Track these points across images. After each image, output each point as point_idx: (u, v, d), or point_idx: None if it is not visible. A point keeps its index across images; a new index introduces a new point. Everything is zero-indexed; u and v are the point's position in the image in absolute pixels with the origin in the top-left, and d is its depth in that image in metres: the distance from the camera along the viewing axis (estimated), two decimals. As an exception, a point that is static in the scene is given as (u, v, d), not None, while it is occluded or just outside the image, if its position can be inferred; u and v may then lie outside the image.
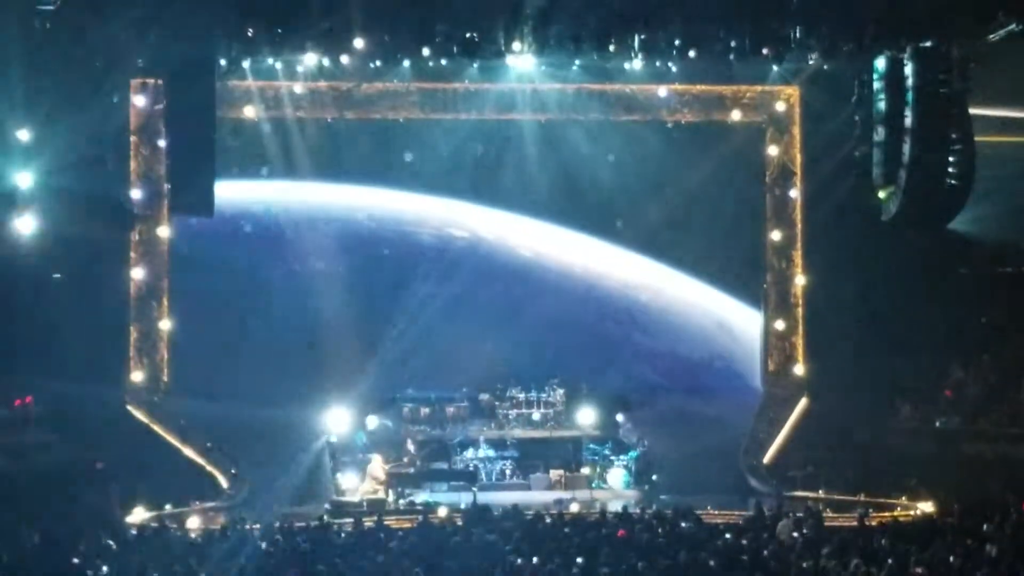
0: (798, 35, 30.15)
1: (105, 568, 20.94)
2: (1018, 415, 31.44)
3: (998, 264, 33.87)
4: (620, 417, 32.75)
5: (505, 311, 34.92)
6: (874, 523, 24.80)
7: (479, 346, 33.83)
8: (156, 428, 30.60)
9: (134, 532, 24.70)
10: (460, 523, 24.89)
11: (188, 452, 30.57)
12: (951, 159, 30.18)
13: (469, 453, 30.78)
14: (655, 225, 34.64)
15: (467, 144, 33.48)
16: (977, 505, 24.30)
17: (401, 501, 29.27)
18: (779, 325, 32.90)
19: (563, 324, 35.33)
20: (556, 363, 33.93)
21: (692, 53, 30.29)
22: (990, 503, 24.31)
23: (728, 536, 22.63)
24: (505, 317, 34.66)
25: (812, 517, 24.26)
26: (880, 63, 30.47)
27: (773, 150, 32.90)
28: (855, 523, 24.31)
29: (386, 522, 25.20)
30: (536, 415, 32.49)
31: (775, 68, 31.14)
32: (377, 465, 29.97)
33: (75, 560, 21.37)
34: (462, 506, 27.63)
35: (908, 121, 30.02)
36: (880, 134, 30.64)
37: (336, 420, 31.12)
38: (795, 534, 22.94)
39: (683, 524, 23.68)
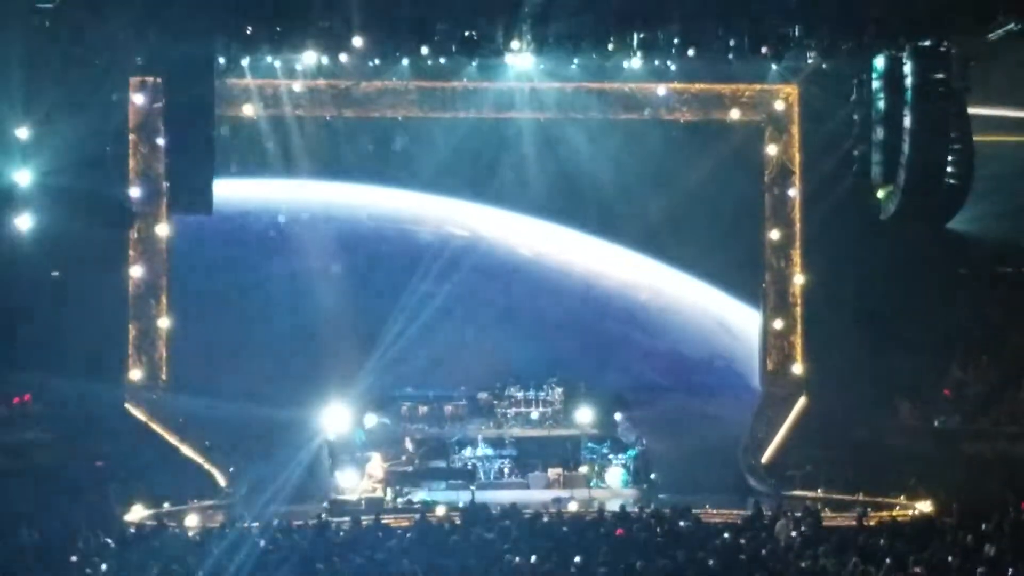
0: (797, 34, 30.14)
1: (104, 566, 20.98)
2: (1017, 414, 31.46)
3: (997, 263, 33.86)
4: (618, 416, 32.77)
5: (504, 310, 34.95)
6: (873, 522, 24.87)
7: (478, 345, 33.88)
8: (155, 426, 30.61)
9: (133, 530, 24.75)
10: (458, 522, 24.92)
11: (187, 450, 30.59)
12: (950, 158, 30.16)
13: (467, 452, 30.77)
14: (654, 224, 34.61)
15: (466, 143, 33.45)
16: (976, 504, 24.32)
17: (399, 500, 29.28)
18: (778, 324, 32.88)
19: (562, 323, 35.36)
20: (555, 362, 33.94)
21: (691, 52, 30.27)
22: (989, 502, 24.32)
23: (726, 535, 22.66)
24: (504, 316, 34.70)
25: (810, 516, 24.28)
26: (879, 62, 30.44)
27: (772, 149, 32.88)
28: (854, 522, 24.37)
29: (384, 520, 25.22)
30: (535, 414, 32.52)
31: (774, 67, 31.12)
32: (376, 463, 29.98)
33: (74, 558, 21.41)
34: (460, 505, 27.62)
35: (907, 120, 29.99)
36: (879, 133, 30.59)
37: (335, 418, 31.11)
38: (793, 533, 22.96)
39: (681, 523, 23.72)
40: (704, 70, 31.42)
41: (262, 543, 22.21)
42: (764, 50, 30.30)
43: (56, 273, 30.57)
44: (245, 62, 30.62)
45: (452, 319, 33.96)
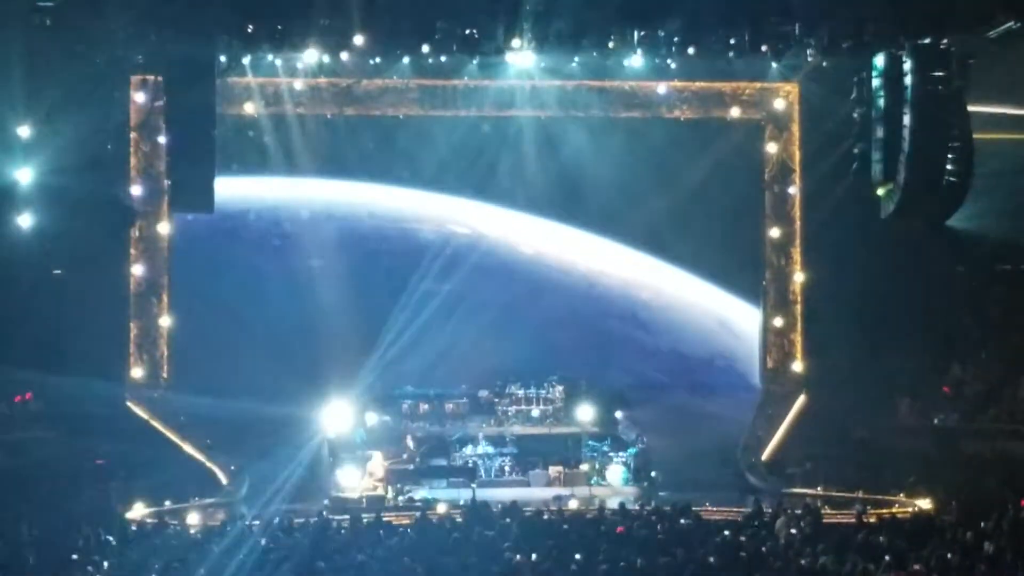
0: (797, 32, 30.15)
1: (105, 564, 21.02)
2: (1016, 412, 31.46)
3: (997, 261, 33.88)
4: (619, 414, 32.81)
5: (505, 308, 34.97)
6: (872, 520, 24.81)
7: (479, 343, 33.90)
8: (156, 424, 30.66)
9: (134, 528, 24.77)
10: (459, 519, 24.94)
11: (188, 448, 30.63)
12: (950, 156, 30.16)
13: (468, 449, 30.77)
14: (655, 222, 34.66)
15: (467, 141, 33.48)
16: (975, 502, 24.34)
17: (400, 497, 29.29)
18: (778, 322, 32.89)
19: (563, 321, 35.42)
20: (556, 360, 33.99)
21: (691, 50, 30.31)
22: (988, 500, 24.34)
23: (727, 533, 22.68)
24: (505, 314, 34.72)
25: (810, 514, 24.27)
26: (879, 60, 30.43)
27: (772, 147, 32.89)
28: (853, 520, 24.33)
29: (385, 518, 25.24)
30: (535, 412, 32.58)
31: (774, 65, 31.14)
32: (377, 461, 30.01)
33: (75, 556, 21.43)
34: (461, 502, 27.65)
35: (907, 118, 29.98)
36: (879, 131, 30.58)
37: (336, 416, 31.13)
38: (793, 531, 22.98)
39: (682, 521, 23.71)
40: (704, 68, 31.44)
41: (263, 541, 22.23)
42: (764, 48, 30.36)
43: (57, 271, 30.62)
44: (246, 60, 30.64)
45: (453, 317, 33.98)
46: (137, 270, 31.36)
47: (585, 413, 32.32)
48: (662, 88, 31.97)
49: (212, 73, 29.65)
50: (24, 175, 28.59)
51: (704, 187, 33.30)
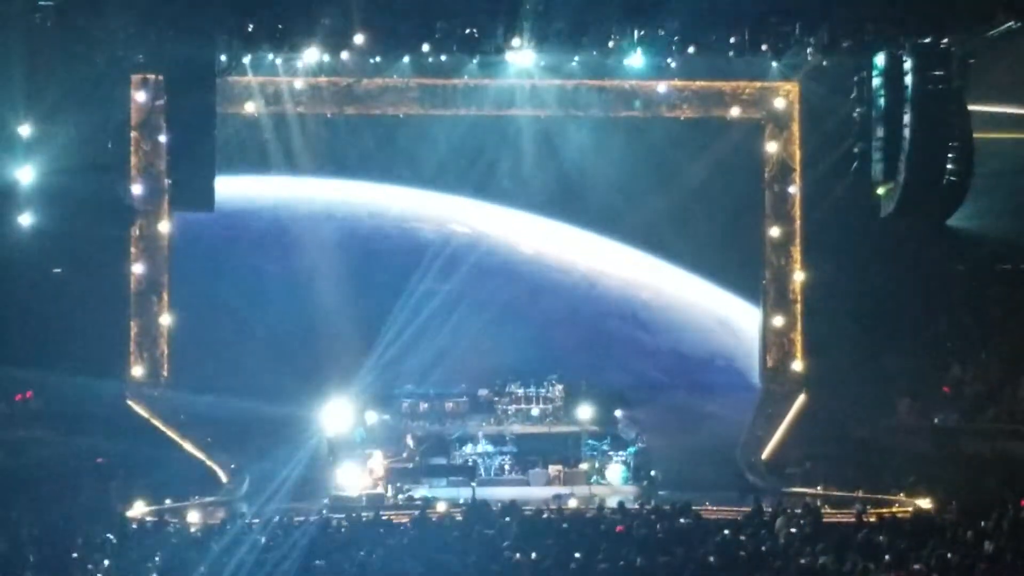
0: (797, 31, 30.18)
1: (105, 562, 21.02)
2: (1016, 412, 31.45)
3: (997, 261, 33.88)
4: (619, 413, 32.81)
5: (505, 307, 34.98)
6: (872, 519, 24.80)
7: (479, 342, 33.91)
8: (156, 423, 30.67)
9: (134, 526, 24.76)
10: (459, 518, 24.95)
11: (188, 447, 30.64)
12: (950, 155, 30.18)
13: (468, 448, 30.76)
14: (655, 221, 34.68)
15: (467, 140, 33.49)
16: (975, 502, 24.32)
17: (400, 496, 29.30)
18: (778, 321, 32.89)
19: (563, 320, 35.43)
20: (555, 359, 33.99)
21: (691, 49, 30.36)
22: (988, 500, 24.34)
23: (726, 532, 22.63)
24: (505, 313, 34.73)
25: (810, 513, 24.26)
26: (879, 59, 30.45)
27: (772, 146, 32.89)
28: (853, 519, 24.33)
29: (385, 517, 25.25)
30: (535, 411, 32.59)
31: (774, 64, 31.18)
32: (377, 460, 30.02)
33: (75, 555, 21.43)
34: (461, 501, 27.66)
35: (907, 118, 30.02)
36: (879, 131, 30.61)
37: (335, 415, 31.13)
38: (793, 530, 22.97)
39: (681, 520, 23.69)
40: (705, 67, 31.47)
41: (263, 540, 22.22)
42: (764, 47, 30.41)
43: (58, 270, 30.66)
44: (247, 59, 30.66)
45: (453, 316, 33.99)
46: (137, 269, 31.38)
47: (585, 412, 32.30)
48: (662, 87, 31.98)
49: (212, 72, 29.68)
50: (25, 174, 28.59)
51: (704, 186, 33.33)
